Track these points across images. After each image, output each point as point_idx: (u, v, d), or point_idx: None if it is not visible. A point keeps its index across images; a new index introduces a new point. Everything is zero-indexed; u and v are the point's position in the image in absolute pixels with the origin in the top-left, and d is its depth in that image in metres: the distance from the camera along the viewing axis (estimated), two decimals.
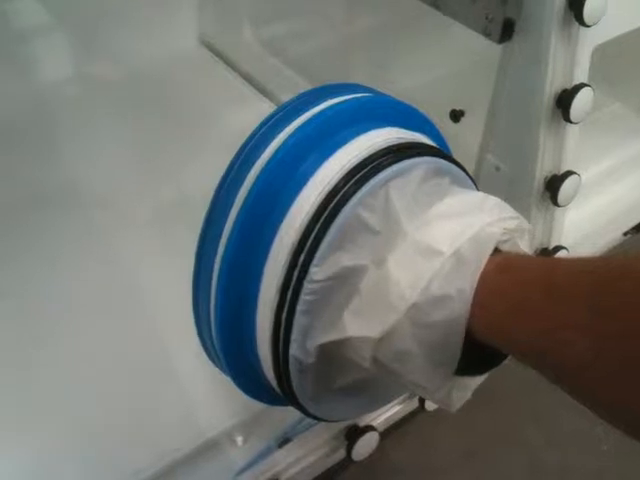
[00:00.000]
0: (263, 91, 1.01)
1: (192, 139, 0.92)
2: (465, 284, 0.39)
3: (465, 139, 0.68)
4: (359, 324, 0.43)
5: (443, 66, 0.80)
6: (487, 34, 0.60)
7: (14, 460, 0.61)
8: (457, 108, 0.71)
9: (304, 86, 0.98)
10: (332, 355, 0.45)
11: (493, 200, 0.46)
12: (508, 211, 0.45)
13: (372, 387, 0.52)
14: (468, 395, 0.46)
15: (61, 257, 0.77)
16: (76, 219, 0.82)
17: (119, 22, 1.01)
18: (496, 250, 0.41)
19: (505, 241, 0.42)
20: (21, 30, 0.97)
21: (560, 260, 0.38)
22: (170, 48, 1.06)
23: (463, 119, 0.72)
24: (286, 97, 0.96)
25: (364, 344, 0.42)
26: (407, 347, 0.41)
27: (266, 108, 0.98)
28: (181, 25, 1.09)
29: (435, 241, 0.41)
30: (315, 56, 1.01)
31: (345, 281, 0.43)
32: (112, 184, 0.87)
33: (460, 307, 0.39)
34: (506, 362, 0.44)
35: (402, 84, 0.82)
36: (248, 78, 1.04)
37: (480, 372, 0.45)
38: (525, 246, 0.43)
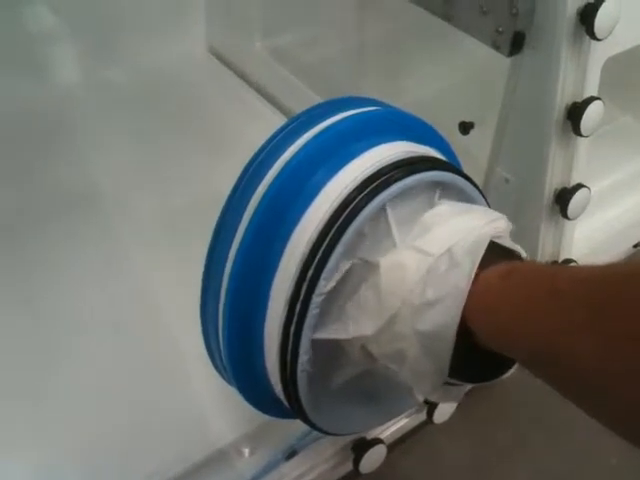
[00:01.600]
0: (272, 100, 1.01)
1: (201, 146, 0.92)
2: (461, 284, 0.40)
3: (474, 151, 0.68)
4: (356, 323, 0.43)
5: (452, 78, 0.80)
6: (497, 47, 0.60)
7: (21, 467, 0.61)
8: (466, 120, 0.71)
9: (312, 96, 0.98)
10: (327, 350, 0.45)
11: (479, 207, 0.47)
12: (494, 213, 0.45)
13: (374, 395, 0.52)
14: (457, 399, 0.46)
15: (70, 261, 0.77)
16: (87, 222, 0.82)
17: (130, 29, 1.02)
18: (497, 256, 0.41)
19: (497, 238, 0.43)
20: (35, 34, 0.98)
21: (564, 266, 0.38)
22: (179, 56, 1.06)
23: (472, 131, 0.71)
24: (294, 106, 0.97)
25: (358, 341, 0.44)
26: (401, 347, 0.42)
27: (274, 117, 0.98)
28: (190, 33, 1.09)
29: (427, 244, 0.42)
30: (324, 66, 1.01)
31: (345, 283, 0.44)
32: (122, 188, 0.87)
33: (454, 307, 0.40)
34: (513, 372, 0.44)
35: (411, 95, 0.82)
36: (257, 87, 1.04)
37: (484, 380, 0.44)
38: (510, 244, 0.44)
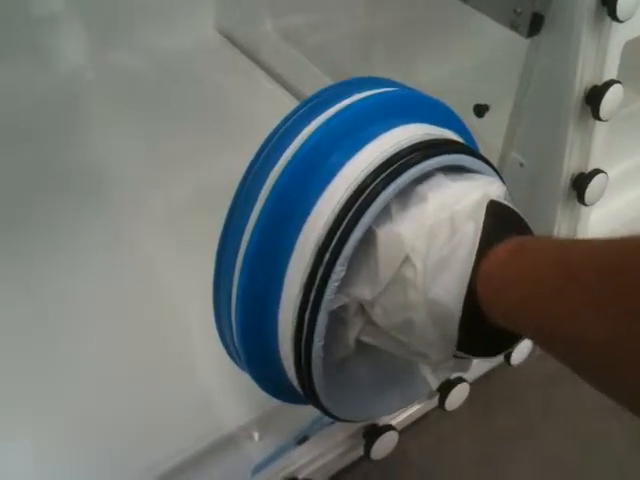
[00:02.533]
0: (282, 82, 1.00)
1: (210, 128, 0.92)
2: (465, 250, 0.40)
3: (487, 134, 0.67)
4: (355, 287, 0.44)
5: (467, 59, 0.79)
6: (515, 28, 0.58)
7: (27, 452, 0.61)
8: (481, 103, 0.69)
9: (322, 77, 0.97)
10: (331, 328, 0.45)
11: (473, 174, 0.46)
12: (488, 178, 0.46)
13: (388, 381, 0.52)
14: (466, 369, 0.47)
15: (75, 247, 0.77)
16: (92, 206, 0.81)
17: (138, 11, 1.01)
18: (503, 223, 0.41)
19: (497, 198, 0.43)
20: (42, 17, 0.96)
21: (575, 241, 0.38)
22: (188, 38, 1.05)
23: (486, 114, 0.70)
24: (305, 88, 0.96)
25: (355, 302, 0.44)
26: (409, 316, 0.42)
27: (284, 99, 0.97)
28: (199, 14, 1.08)
29: (423, 214, 0.42)
30: (335, 47, 1.00)
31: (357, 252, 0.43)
32: (129, 171, 0.86)
33: (463, 272, 0.40)
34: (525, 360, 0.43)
35: (424, 77, 0.81)
36: (267, 68, 1.03)
37: (492, 354, 0.44)
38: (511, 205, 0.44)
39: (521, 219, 0.44)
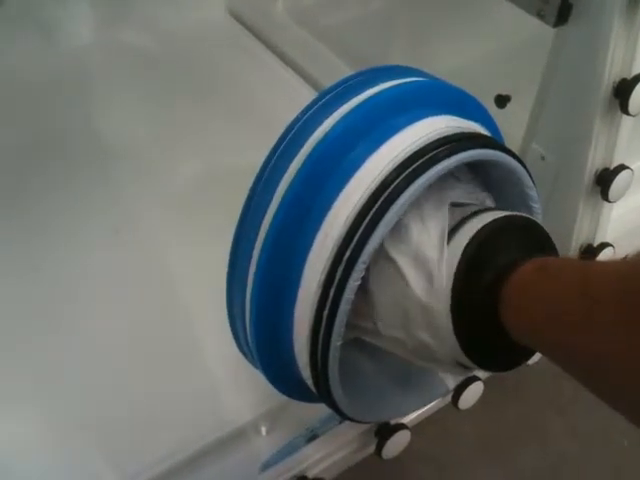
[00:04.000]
0: (293, 65, 0.98)
1: (219, 111, 0.90)
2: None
3: (507, 125, 0.65)
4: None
5: (489, 47, 0.77)
6: (541, 16, 0.57)
7: (37, 446, 0.60)
8: (502, 93, 0.68)
9: (335, 60, 0.95)
10: None
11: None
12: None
13: (404, 382, 0.51)
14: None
15: (78, 229, 0.75)
16: (98, 188, 0.80)
17: None
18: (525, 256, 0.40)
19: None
20: None
21: (596, 262, 0.38)
22: (198, 19, 1.03)
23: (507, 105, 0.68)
24: (317, 71, 0.94)
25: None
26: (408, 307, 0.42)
27: (295, 82, 0.95)
28: None
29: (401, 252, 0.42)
30: (348, 30, 0.98)
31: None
32: (136, 154, 0.84)
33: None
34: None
35: (442, 64, 0.79)
36: (277, 51, 1.00)
37: (504, 369, 0.44)
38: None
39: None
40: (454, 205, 0.44)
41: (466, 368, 0.43)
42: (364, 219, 0.40)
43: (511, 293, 0.39)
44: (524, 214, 0.43)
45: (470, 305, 0.40)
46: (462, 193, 0.45)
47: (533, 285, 0.39)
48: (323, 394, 0.46)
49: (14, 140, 0.84)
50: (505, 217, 0.42)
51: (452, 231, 0.41)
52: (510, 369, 0.43)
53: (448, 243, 0.41)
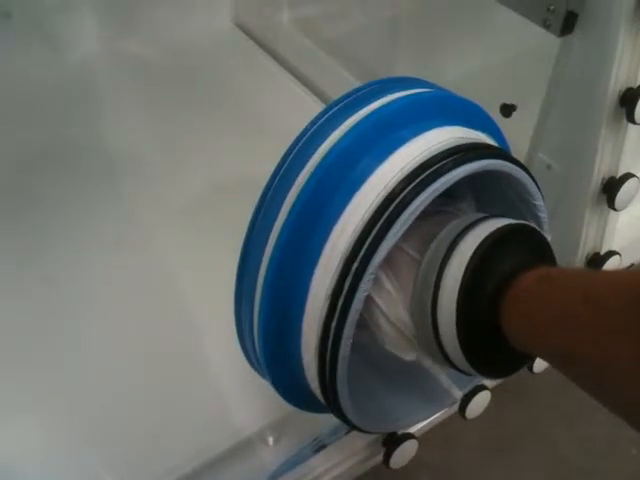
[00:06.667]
0: (299, 75, 0.99)
1: (225, 122, 0.90)
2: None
3: (513, 135, 0.65)
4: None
5: (494, 57, 0.77)
6: (547, 26, 0.57)
7: (45, 452, 0.60)
8: (508, 102, 0.67)
9: (340, 71, 0.95)
10: None
11: None
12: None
13: (411, 392, 0.51)
14: None
15: (87, 238, 0.76)
16: (104, 198, 0.80)
17: (155, 1, 0.99)
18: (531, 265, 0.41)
19: None
20: (57, 4, 0.95)
21: (600, 271, 0.38)
22: (205, 29, 1.04)
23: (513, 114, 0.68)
24: (322, 82, 0.94)
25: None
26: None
27: (301, 93, 0.96)
28: (216, 5, 1.06)
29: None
30: (354, 40, 0.98)
31: None
32: (142, 164, 0.85)
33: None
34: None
35: (447, 74, 0.79)
36: (284, 61, 1.01)
37: (501, 375, 0.44)
38: None
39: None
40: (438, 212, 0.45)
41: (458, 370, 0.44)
42: (372, 230, 0.40)
43: (514, 301, 0.39)
44: (524, 222, 0.43)
45: (473, 313, 0.40)
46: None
47: (538, 292, 0.39)
48: (331, 404, 0.46)
49: (20, 150, 0.84)
50: (507, 226, 0.42)
51: (453, 242, 0.41)
52: (506, 376, 0.44)
53: (450, 255, 0.41)
